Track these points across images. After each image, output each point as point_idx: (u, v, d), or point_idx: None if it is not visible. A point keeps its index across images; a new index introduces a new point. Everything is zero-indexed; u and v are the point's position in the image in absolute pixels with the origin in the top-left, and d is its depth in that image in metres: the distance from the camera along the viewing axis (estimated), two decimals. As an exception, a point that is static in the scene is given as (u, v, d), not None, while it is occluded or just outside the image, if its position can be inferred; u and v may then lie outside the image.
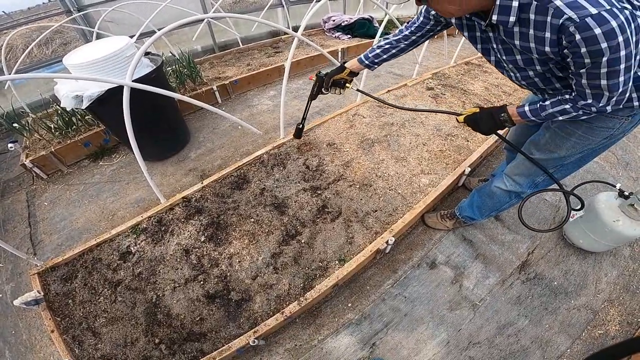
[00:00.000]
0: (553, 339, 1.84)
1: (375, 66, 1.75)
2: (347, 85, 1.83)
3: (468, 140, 2.91)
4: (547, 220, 2.46)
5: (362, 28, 5.82)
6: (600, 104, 1.08)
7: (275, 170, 2.66)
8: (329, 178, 2.58)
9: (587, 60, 0.96)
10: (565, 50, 0.99)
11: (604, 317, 1.93)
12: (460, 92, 3.77)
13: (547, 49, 1.03)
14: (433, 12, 1.45)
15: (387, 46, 1.66)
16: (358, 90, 1.91)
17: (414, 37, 1.58)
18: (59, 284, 2.02)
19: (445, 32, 4.31)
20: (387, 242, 2.05)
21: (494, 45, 1.26)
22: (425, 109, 1.85)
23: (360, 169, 2.65)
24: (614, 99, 1.05)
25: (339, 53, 5.09)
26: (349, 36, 5.83)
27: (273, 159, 2.76)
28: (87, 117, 3.29)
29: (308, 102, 1.91)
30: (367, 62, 1.73)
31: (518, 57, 1.20)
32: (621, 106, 1.10)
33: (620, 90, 1.02)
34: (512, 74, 1.36)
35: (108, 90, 2.24)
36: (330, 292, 2.00)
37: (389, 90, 3.69)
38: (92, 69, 2.27)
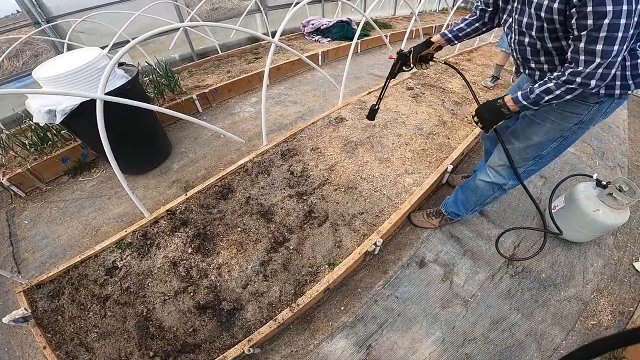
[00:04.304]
0: (547, 331, 1.88)
1: (456, 41, 1.76)
2: (434, 59, 1.84)
3: (449, 138, 2.96)
4: (529, 213, 2.51)
5: (341, 30, 5.86)
6: (588, 70, 1.14)
7: (259, 178, 2.64)
8: (314, 183, 2.58)
9: (589, 22, 1.04)
10: (573, 10, 1.07)
11: (595, 307, 1.98)
12: (439, 90, 3.83)
13: (556, 5, 1.13)
14: None
15: (471, 20, 1.69)
16: (445, 62, 1.90)
17: (485, 17, 1.65)
18: (46, 301, 1.96)
19: (413, 34, 4.39)
20: (375, 243, 2.05)
21: (515, 5, 1.35)
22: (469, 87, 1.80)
23: (344, 172, 2.66)
24: (602, 67, 1.11)
25: (319, 56, 5.10)
26: (328, 39, 5.85)
27: (257, 166, 2.74)
28: (62, 131, 3.19)
29: (386, 81, 1.91)
30: (450, 35, 1.75)
31: (525, 19, 1.29)
32: (604, 83, 1.16)
33: (610, 59, 1.09)
34: (512, 35, 1.44)
35: (82, 104, 2.17)
36: (322, 296, 1.99)
37: (369, 92, 3.72)
38: (63, 82, 2.20)
